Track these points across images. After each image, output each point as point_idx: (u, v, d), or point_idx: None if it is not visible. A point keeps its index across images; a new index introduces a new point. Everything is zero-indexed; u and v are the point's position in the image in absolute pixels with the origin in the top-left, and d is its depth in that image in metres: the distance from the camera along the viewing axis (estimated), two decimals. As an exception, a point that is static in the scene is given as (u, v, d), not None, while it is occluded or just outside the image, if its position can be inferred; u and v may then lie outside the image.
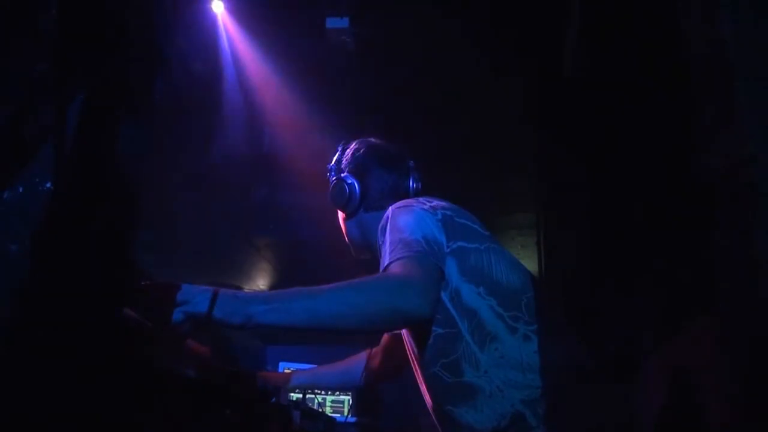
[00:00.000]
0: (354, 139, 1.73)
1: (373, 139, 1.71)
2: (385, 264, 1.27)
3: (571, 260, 3.22)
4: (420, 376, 1.45)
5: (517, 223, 4.36)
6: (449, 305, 1.32)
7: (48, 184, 0.54)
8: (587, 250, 2.94)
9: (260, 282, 5.39)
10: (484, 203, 4.10)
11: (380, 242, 1.38)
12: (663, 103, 2.03)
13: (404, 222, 1.34)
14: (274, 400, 1.41)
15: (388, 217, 1.39)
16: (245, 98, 3.53)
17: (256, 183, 4.07)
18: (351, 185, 1.59)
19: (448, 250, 1.34)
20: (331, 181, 1.66)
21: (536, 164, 3.82)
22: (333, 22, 2.94)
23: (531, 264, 4.03)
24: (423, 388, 1.46)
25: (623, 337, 2.39)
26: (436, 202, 1.44)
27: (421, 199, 1.46)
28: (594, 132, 2.89)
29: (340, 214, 1.68)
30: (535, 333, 1.31)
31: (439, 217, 1.38)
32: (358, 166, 1.63)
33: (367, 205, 1.60)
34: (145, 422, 0.88)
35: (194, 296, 1.11)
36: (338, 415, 3.05)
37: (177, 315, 1.09)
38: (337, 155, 1.71)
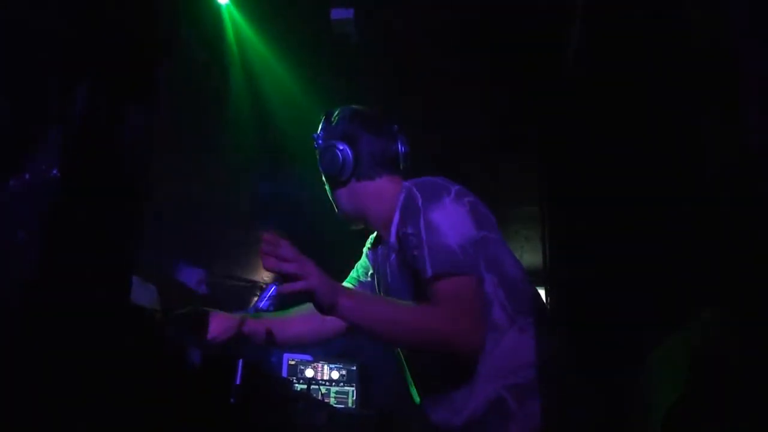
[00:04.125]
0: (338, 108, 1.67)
1: (356, 106, 1.66)
2: (429, 273, 1.30)
3: (576, 254, 3.21)
4: (414, 355, 1.49)
5: (522, 216, 4.35)
6: None
7: (54, 172, 0.53)
8: (592, 244, 2.93)
9: (264, 274, 5.39)
10: (489, 196, 4.09)
11: (409, 230, 1.38)
12: (668, 97, 2.02)
13: (439, 220, 1.34)
14: (279, 390, 1.42)
15: (419, 207, 1.37)
16: (249, 89, 3.53)
17: (259, 175, 4.06)
18: (343, 151, 1.54)
19: (475, 240, 1.36)
20: (319, 149, 1.60)
21: (540, 158, 3.80)
22: (338, 13, 2.93)
23: (536, 257, 4.02)
24: (413, 365, 1.50)
25: (628, 330, 2.38)
26: (457, 186, 1.43)
27: (440, 181, 1.44)
28: (599, 126, 2.88)
29: (330, 185, 1.62)
30: (529, 325, 1.37)
31: (468, 208, 1.39)
32: (346, 133, 1.57)
33: (360, 172, 1.55)
34: (150, 411, 0.89)
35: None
36: (342, 405, 3.06)
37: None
38: (322, 123, 1.65)
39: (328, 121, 1.64)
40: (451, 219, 1.35)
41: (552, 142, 3.57)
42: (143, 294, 1.10)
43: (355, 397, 3.08)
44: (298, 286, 1.17)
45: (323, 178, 1.65)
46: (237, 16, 3.20)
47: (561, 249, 3.55)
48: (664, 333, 1.99)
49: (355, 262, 1.83)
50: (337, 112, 1.64)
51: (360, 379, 3.10)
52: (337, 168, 1.54)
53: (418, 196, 1.39)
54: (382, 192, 1.55)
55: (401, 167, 1.62)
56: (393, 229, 1.46)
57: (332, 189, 1.63)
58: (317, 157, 1.62)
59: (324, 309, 1.21)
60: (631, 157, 2.47)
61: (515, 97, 3.47)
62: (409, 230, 1.37)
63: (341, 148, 1.54)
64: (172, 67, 0.90)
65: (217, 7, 3.17)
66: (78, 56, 0.68)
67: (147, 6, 0.85)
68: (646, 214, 2.30)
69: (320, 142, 1.61)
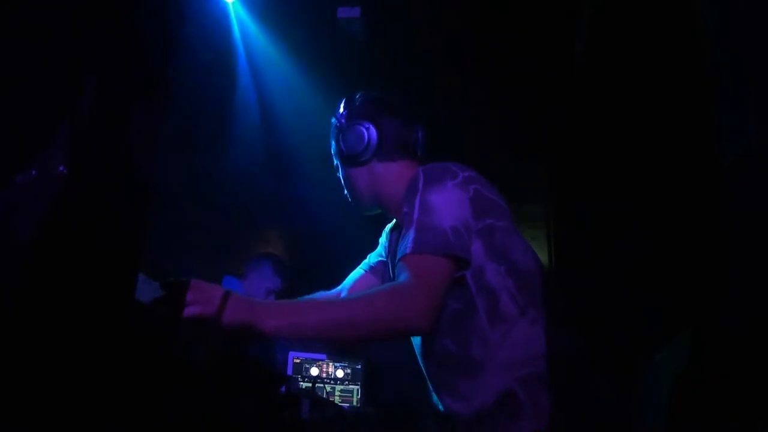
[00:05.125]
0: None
1: (377, 92, 1.67)
2: (407, 248, 1.25)
3: (581, 253, 3.20)
4: (423, 343, 1.46)
5: (527, 215, 4.34)
6: (471, 282, 1.32)
7: (61, 168, 0.54)
8: (597, 243, 2.93)
9: (267, 272, 5.39)
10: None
11: (405, 209, 1.35)
12: (676, 94, 2.01)
13: (435, 202, 1.31)
14: (284, 389, 1.42)
15: (419, 188, 1.35)
16: (256, 88, 3.54)
17: (266, 173, 4.07)
18: (369, 130, 1.54)
19: (476, 229, 1.33)
20: (342, 128, 1.59)
21: (547, 157, 3.80)
22: (344, 12, 2.93)
23: (541, 256, 4.00)
24: (422, 354, 1.47)
25: (634, 329, 2.38)
26: (468, 173, 1.41)
27: (452, 166, 1.41)
28: (605, 125, 2.87)
29: (349, 166, 1.61)
30: (542, 317, 1.34)
31: (471, 194, 1.36)
32: (371, 114, 1.57)
33: (382, 154, 1.55)
34: (154, 410, 0.89)
35: (206, 296, 1.11)
36: (347, 404, 3.07)
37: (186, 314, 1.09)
38: (343, 105, 1.65)
39: (350, 103, 1.64)
40: (449, 201, 1.32)
41: (559, 141, 3.56)
42: (148, 291, 1.10)
43: (360, 396, 3.09)
44: (192, 310, 1.08)
45: (339, 161, 1.63)
46: (243, 14, 3.20)
47: (566, 248, 3.54)
48: (670, 332, 1.98)
49: (361, 259, 1.83)
50: (359, 96, 1.64)
51: (365, 377, 3.11)
52: (362, 147, 1.53)
53: (421, 177, 1.37)
54: (400, 175, 1.53)
55: (419, 154, 1.62)
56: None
57: (350, 170, 1.61)
58: (335, 138, 1.61)
59: (246, 335, 1.13)
60: (637, 157, 2.46)
61: (522, 96, 3.47)
62: (405, 209, 1.35)
63: (367, 126, 1.54)
64: (178, 66, 0.90)
65: (224, 5, 3.17)
66: (85, 53, 0.68)
67: (153, 4, 0.85)
68: (651, 213, 2.29)
69: (343, 121, 1.60)
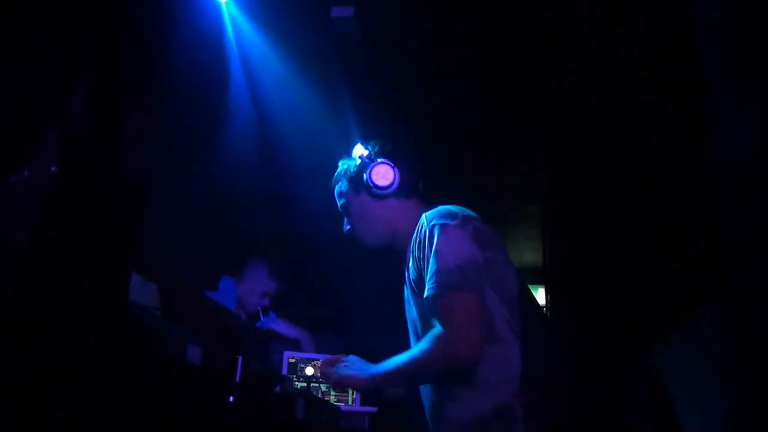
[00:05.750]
0: (357, 126, 1.86)
1: (390, 142, 1.83)
2: (429, 292, 1.47)
3: (576, 253, 3.21)
4: None
5: (523, 215, 4.34)
6: None
7: (53, 169, 0.53)
8: (593, 243, 2.93)
9: (262, 275, 5.36)
10: (490, 195, 4.08)
11: (416, 255, 1.55)
12: (673, 94, 2.01)
13: (442, 245, 1.49)
14: (279, 388, 1.42)
15: (425, 234, 1.53)
16: (250, 88, 3.52)
17: (263, 174, 4.05)
18: (394, 168, 1.69)
19: (481, 259, 1.50)
20: (367, 165, 1.72)
21: (543, 158, 3.80)
22: (338, 11, 2.92)
23: (536, 256, 4.02)
24: None
25: (628, 330, 2.39)
26: (466, 213, 1.59)
27: (452, 209, 1.59)
28: (601, 126, 2.88)
29: (363, 199, 1.74)
30: (530, 336, 1.49)
31: (471, 231, 1.53)
32: (396, 156, 1.73)
33: (401, 191, 1.70)
34: (149, 407, 0.89)
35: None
36: (342, 404, 3.06)
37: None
38: (361, 146, 1.78)
39: (369, 144, 1.79)
40: (453, 242, 1.49)
41: (556, 141, 3.57)
42: (143, 292, 1.10)
43: (355, 395, 3.08)
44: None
45: (354, 196, 1.76)
46: (236, 14, 3.19)
47: (561, 248, 3.55)
48: (665, 333, 1.99)
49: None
50: (374, 142, 1.80)
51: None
52: (388, 182, 1.69)
53: (426, 222, 1.55)
54: (409, 213, 1.70)
55: (425, 196, 1.80)
56: (408, 250, 1.63)
57: (369, 204, 1.75)
58: (351, 176, 1.76)
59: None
60: (633, 157, 2.47)
61: (519, 97, 3.47)
62: (417, 254, 1.55)
63: (394, 164, 1.71)
64: (171, 66, 0.90)
65: (217, 5, 3.16)
66: (80, 55, 0.68)
67: (146, 4, 0.85)
68: (646, 213, 2.30)
69: (366, 160, 1.74)
